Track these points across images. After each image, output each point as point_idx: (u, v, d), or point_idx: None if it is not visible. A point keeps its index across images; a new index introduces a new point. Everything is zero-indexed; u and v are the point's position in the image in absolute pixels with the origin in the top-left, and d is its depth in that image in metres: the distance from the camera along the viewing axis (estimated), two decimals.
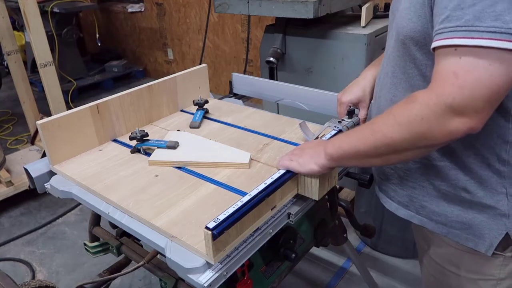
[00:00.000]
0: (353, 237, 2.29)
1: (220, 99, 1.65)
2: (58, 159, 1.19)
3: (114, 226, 1.24)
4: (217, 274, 0.80)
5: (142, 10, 5.07)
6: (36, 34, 2.48)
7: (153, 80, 1.41)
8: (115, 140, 1.31)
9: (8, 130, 3.93)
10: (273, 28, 2.14)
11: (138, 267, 1.03)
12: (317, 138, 1.16)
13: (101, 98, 1.27)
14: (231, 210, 0.81)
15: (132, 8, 5.18)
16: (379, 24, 2.06)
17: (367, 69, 1.19)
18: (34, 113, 3.14)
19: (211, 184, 1.05)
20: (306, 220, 1.23)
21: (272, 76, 2.20)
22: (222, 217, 0.79)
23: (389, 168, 1.00)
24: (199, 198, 0.99)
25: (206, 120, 1.43)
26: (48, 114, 2.57)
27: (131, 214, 0.97)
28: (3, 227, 2.64)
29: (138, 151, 1.22)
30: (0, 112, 4.33)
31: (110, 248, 1.24)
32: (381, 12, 2.21)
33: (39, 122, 1.12)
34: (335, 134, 1.12)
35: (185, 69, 1.51)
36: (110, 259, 1.34)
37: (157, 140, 1.23)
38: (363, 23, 2.01)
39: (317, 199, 0.98)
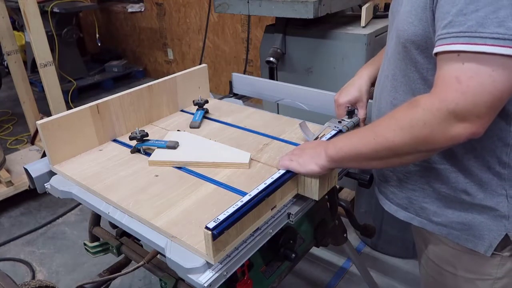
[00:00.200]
0: (353, 237, 2.28)
1: (220, 99, 1.65)
2: (58, 159, 1.19)
3: (114, 226, 1.24)
4: (217, 274, 0.80)
5: (142, 10, 5.07)
6: (36, 34, 2.48)
7: (153, 80, 1.41)
8: (115, 140, 1.31)
9: (8, 130, 3.93)
10: (273, 28, 2.14)
11: (138, 267, 1.03)
12: (317, 138, 1.16)
13: (101, 98, 1.26)
14: (231, 210, 0.81)
15: (132, 8, 5.18)
16: (379, 24, 2.06)
17: (363, 68, 1.18)
18: (34, 113, 3.14)
19: (211, 184, 1.05)
20: (306, 220, 1.23)
21: (272, 76, 2.20)
22: (222, 217, 0.79)
23: (389, 170, 1.00)
24: (199, 198, 0.99)
25: (206, 120, 1.43)
26: (48, 114, 2.57)
27: (131, 214, 0.97)
28: (3, 227, 2.64)
29: (138, 151, 1.22)
30: (0, 112, 4.33)
31: (110, 248, 1.24)
32: (381, 12, 2.20)
33: (39, 122, 1.12)
34: (335, 134, 1.12)
35: (185, 69, 1.51)
36: (110, 259, 1.34)
37: (157, 140, 1.23)
38: (363, 23, 2.01)
39: (317, 199, 0.98)
